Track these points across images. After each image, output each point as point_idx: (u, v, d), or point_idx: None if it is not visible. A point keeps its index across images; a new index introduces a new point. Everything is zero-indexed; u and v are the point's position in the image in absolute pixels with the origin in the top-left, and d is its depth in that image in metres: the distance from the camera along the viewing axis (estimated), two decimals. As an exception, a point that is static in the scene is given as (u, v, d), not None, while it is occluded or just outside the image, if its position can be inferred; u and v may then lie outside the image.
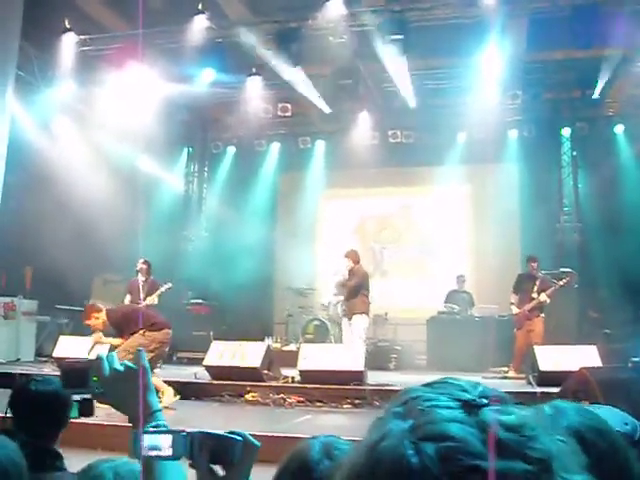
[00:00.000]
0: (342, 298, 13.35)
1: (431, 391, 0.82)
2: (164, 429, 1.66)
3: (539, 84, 16.22)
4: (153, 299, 13.44)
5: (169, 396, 9.28)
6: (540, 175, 17.39)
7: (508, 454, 0.72)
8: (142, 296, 13.45)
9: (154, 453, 1.58)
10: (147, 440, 1.58)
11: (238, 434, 1.64)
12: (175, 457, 1.59)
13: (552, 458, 0.74)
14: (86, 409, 2.81)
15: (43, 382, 3.18)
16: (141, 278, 13.56)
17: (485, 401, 0.79)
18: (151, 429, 1.63)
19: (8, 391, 3.31)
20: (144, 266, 13.50)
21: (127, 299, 13.64)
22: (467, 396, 0.79)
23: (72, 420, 3.11)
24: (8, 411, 3.19)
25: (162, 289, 13.50)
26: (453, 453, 0.71)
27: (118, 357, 1.85)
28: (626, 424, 2.75)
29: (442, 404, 0.78)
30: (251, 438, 1.64)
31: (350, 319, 12.34)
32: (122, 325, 9.68)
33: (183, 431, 1.63)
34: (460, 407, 0.77)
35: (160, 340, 9.70)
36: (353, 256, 12.63)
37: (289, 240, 18.05)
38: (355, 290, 12.38)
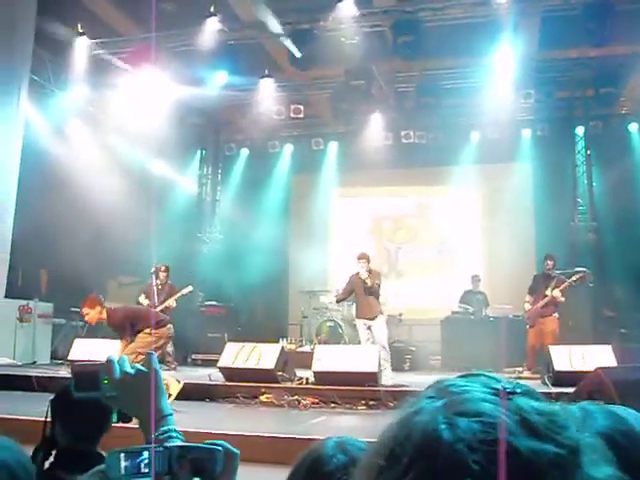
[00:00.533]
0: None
1: (464, 380, 0.83)
2: (138, 447, 1.59)
3: (552, 83, 16.15)
4: (172, 302, 13.54)
5: (174, 386, 9.33)
6: (554, 174, 17.32)
7: (540, 436, 0.73)
8: (157, 299, 13.53)
9: (132, 472, 1.52)
10: (122, 460, 1.52)
11: (218, 444, 1.61)
12: (155, 475, 1.53)
13: (581, 448, 0.75)
14: (125, 415, 2.82)
15: None
16: (157, 281, 13.65)
17: (519, 390, 0.80)
18: (121, 448, 1.56)
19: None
20: (164, 271, 13.65)
21: (143, 300, 13.71)
22: (500, 385, 0.80)
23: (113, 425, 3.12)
24: (49, 415, 3.20)
25: (184, 291, 13.59)
26: (486, 428, 0.72)
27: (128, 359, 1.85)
28: (641, 425, 2.74)
29: (475, 389, 0.79)
30: (231, 447, 1.62)
31: (373, 320, 12.16)
32: (124, 326, 9.73)
33: (160, 445, 1.59)
34: (493, 394, 0.78)
35: (166, 335, 10.00)
36: (368, 257, 12.55)
37: (303, 241, 18.05)
38: (377, 291, 12.28)
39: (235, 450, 1.62)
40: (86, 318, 10.11)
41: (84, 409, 3.07)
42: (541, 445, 0.72)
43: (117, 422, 2.81)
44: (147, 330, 9.66)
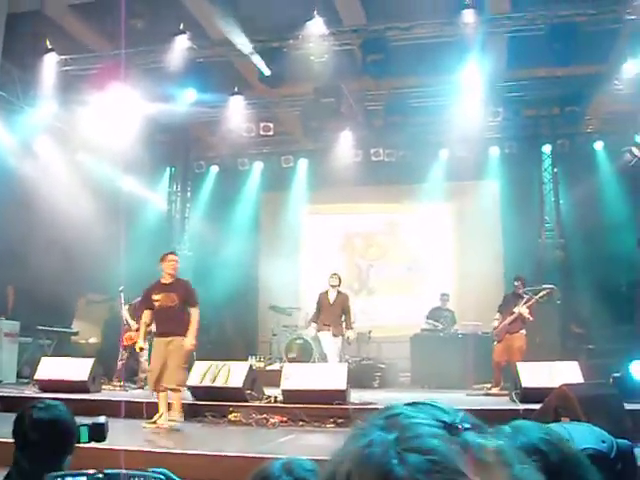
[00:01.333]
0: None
1: (413, 410, 0.84)
2: (76, 472, 1.57)
3: (519, 101, 16.35)
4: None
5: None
6: (522, 192, 17.49)
7: (486, 473, 0.74)
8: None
9: None
10: None
11: (160, 472, 1.60)
12: None
13: None
14: (97, 434, 2.77)
15: (45, 409, 3.07)
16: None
17: (467, 425, 0.81)
18: (61, 473, 1.53)
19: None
20: None
21: (130, 320, 13.71)
22: (448, 418, 0.82)
23: (83, 445, 3.06)
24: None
25: None
26: (437, 466, 0.74)
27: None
28: (603, 442, 2.77)
29: (424, 422, 0.80)
30: (173, 475, 1.61)
31: (336, 336, 12.47)
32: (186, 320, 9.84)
33: (100, 472, 1.57)
34: (442, 427, 0.79)
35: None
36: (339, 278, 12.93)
37: (273, 258, 18.03)
38: (343, 313, 12.64)
39: (176, 478, 1.61)
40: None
41: (44, 431, 3.02)
42: None
43: (88, 442, 2.77)
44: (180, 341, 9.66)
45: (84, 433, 2.67)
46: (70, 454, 3.09)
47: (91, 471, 1.56)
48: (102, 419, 2.50)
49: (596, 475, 1.45)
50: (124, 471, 1.58)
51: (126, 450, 6.88)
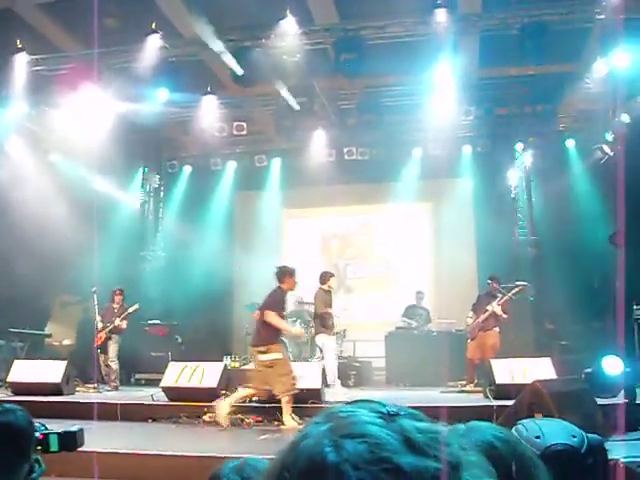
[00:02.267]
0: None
1: (352, 406, 0.85)
2: None
3: (492, 100, 16.45)
4: (121, 322, 13.63)
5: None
6: (495, 190, 17.61)
7: (422, 453, 0.75)
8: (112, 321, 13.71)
9: None
10: None
11: None
12: None
13: (462, 463, 0.78)
14: (69, 442, 2.70)
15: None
16: (113, 305, 13.85)
17: (403, 412, 0.82)
18: None
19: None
20: (119, 294, 13.89)
21: (99, 323, 13.77)
22: (385, 409, 0.82)
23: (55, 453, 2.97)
24: None
25: (130, 310, 13.70)
26: (371, 448, 0.75)
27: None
28: (574, 437, 2.80)
29: (360, 413, 0.81)
30: None
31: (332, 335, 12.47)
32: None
33: None
34: (379, 417, 0.80)
35: None
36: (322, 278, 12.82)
37: (247, 258, 18.00)
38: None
39: None
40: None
41: None
42: (423, 461, 0.74)
43: (59, 451, 2.69)
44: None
45: (54, 442, 2.61)
46: (26, 463, 2.93)
47: None
48: (75, 427, 2.45)
49: (547, 475, 1.48)
50: None
51: (100, 453, 6.84)
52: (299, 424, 9.07)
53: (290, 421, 9.31)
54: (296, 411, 9.54)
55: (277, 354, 9.73)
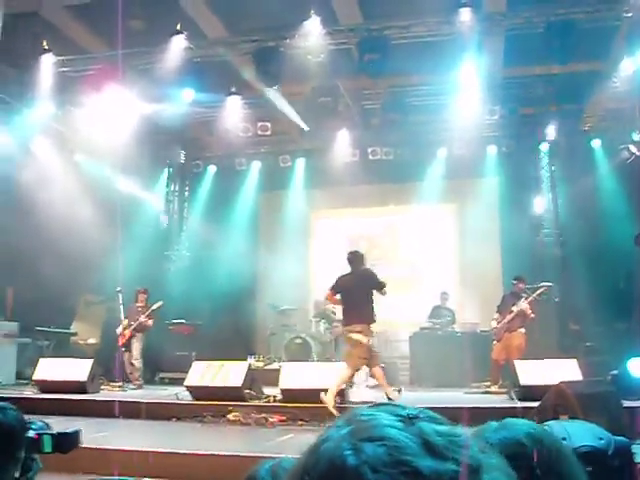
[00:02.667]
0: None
1: (373, 409, 0.85)
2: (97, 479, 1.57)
3: (516, 99, 16.34)
4: (146, 320, 13.75)
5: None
6: (520, 190, 17.51)
7: (441, 456, 0.76)
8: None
9: None
10: None
11: None
12: None
13: (482, 466, 0.78)
14: (63, 444, 2.68)
15: None
16: (137, 304, 13.97)
17: (422, 415, 0.83)
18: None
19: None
20: (143, 293, 14.01)
21: (126, 323, 13.91)
22: (405, 412, 0.83)
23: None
24: None
25: (154, 307, 13.79)
26: (390, 451, 0.75)
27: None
28: (600, 439, 2.78)
29: (380, 416, 0.82)
30: None
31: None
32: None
33: None
34: (399, 420, 0.81)
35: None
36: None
37: (272, 258, 18.04)
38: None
39: None
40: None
41: None
42: (442, 464, 0.75)
43: (52, 452, 2.67)
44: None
45: (47, 442, 2.59)
46: (14, 463, 2.84)
47: (107, 478, 1.56)
48: (72, 429, 2.45)
49: (582, 471, 1.47)
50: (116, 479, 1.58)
51: (125, 451, 6.89)
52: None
53: None
54: (320, 411, 9.54)
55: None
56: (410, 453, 0.75)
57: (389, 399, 9.69)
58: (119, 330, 13.94)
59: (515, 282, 13.26)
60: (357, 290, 10.54)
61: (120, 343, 13.86)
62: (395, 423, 0.80)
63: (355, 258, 10.90)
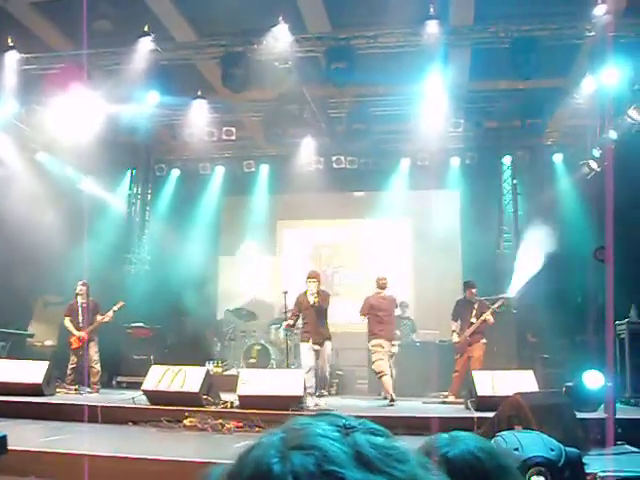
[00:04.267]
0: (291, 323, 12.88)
1: (312, 418, 0.84)
2: None
3: (481, 113, 16.48)
4: (105, 319, 13.40)
5: None
6: (481, 202, 17.68)
7: (371, 469, 0.73)
8: (81, 319, 13.36)
9: None
10: None
11: None
12: None
13: (414, 478, 0.75)
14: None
15: None
16: (81, 300, 13.51)
17: (361, 427, 0.81)
18: None
19: None
20: (83, 288, 13.48)
21: (68, 323, 13.54)
22: (344, 422, 0.81)
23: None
24: None
25: (115, 308, 13.53)
26: (318, 461, 0.73)
27: None
28: (552, 450, 2.82)
29: (317, 425, 0.80)
30: None
31: (322, 345, 11.99)
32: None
33: None
34: (336, 430, 0.79)
35: None
36: (319, 277, 12.33)
37: (233, 264, 17.99)
38: (326, 314, 12.25)
39: None
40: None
41: None
42: (371, 478, 0.72)
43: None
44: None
45: None
46: None
47: None
48: None
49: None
50: None
51: (78, 455, 6.82)
52: None
53: None
54: (277, 418, 9.51)
55: None
56: (338, 464, 0.73)
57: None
58: (77, 333, 13.53)
59: (466, 288, 13.40)
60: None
61: (75, 346, 13.49)
62: (330, 433, 0.78)
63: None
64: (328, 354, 12.22)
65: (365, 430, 0.80)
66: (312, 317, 12.04)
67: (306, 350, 11.96)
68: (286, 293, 12.97)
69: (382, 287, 13.12)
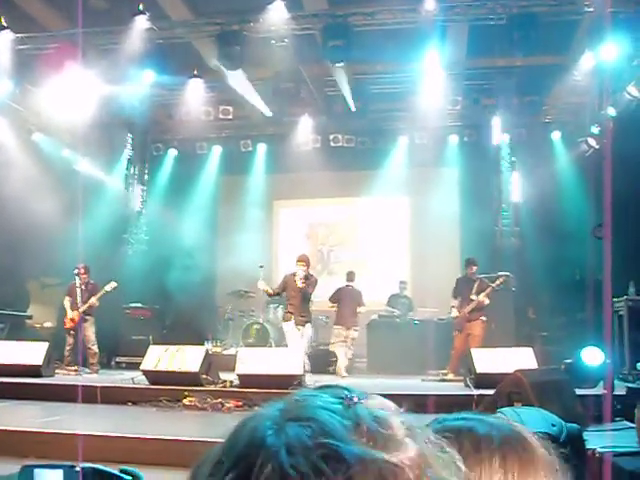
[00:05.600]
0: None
1: (317, 390, 0.80)
2: (52, 464, 1.56)
3: (479, 90, 16.44)
4: (95, 300, 13.43)
5: None
6: (479, 180, 17.63)
7: (371, 442, 0.70)
8: (80, 299, 13.37)
9: None
10: (37, 476, 1.50)
11: (130, 473, 1.57)
12: None
13: (420, 456, 0.72)
14: None
15: None
16: (79, 282, 13.51)
17: (364, 399, 0.77)
18: (39, 463, 1.53)
19: None
20: (83, 270, 13.48)
21: (67, 303, 13.56)
22: (347, 394, 0.77)
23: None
24: None
25: (107, 288, 13.51)
26: (314, 433, 0.69)
27: None
28: (553, 425, 2.80)
29: (319, 397, 0.76)
30: (142, 477, 1.58)
31: (303, 326, 12.35)
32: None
33: (74, 466, 1.55)
34: (338, 402, 0.75)
35: None
36: (308, 261, 12.63)
37: (231, 243, 17.96)
38: (309, 297, 12.46)
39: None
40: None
41: None
42: (371, 452, 0.69)
43: None
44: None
45: None
46: None
47: (67, 464, 1.53)
48: None
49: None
50: (101, 467, 1.55)
51: (78, 435, 6.82)
52: None
53: None
54: (277, 397, 9.50)
55: None
56: (336, 437, 0.69)
57: None
58: (70, 314, 13.54)
59: (467, 265, 13.41)
60: None
61: (68, 326, 13.52)
62: (331, 405, 0.74)
63: None
64: (309, 335, 12.60)
65: (370, 403, 0.76)
66: (297, 299, 12.41)
67: (290, 329, 12.39)
68: (262, 267, 13.35)
69: (350, 280, 14.55)
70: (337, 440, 0.68)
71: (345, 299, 14.00)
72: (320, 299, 14.18)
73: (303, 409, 0.73)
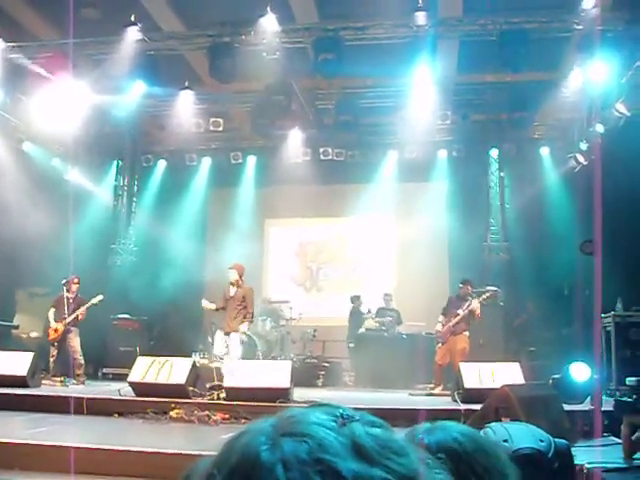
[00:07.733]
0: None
1: (308, 407, 0.80)
2: None
3: (468, 105, 16.51)
4: (82, 312, 13.33)
5: None
6: (468, 195, 17.68)
7: (368, 460, 0.70)
8: (67, 312, 13.29)
9: None
10: None
11: None
12: None
13: (417, 478, 0.72)
14: None
15: None
16: (67, 294, 13.41)
17: (357, 417, 0.77)
18: None
19: None
20: (76, 283, 13.44)
21: (51, 314, 13.45)
22: (341, 412, 0.78)
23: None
24: None
25: (93, 301, 13.41)
26: (311, 450, 0.69)
27: None
28: (541, 441, 2.80)
29: (313, 414, 0.76)
30: None
31: (229, 335, 12.14)
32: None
33: None
34: (332, 420, 0.75)
35: None
36: (240, 269, 12.49)
37: (220, 255, 17.91)
38: (243, 308, 12.32)
39: None
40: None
41: None
42: (368, 469, 0.69)
43: None
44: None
45: None
46: None
47: None
48: None
49: (516, 475, 1.46)
50: None
51: (63, 447, 6.77)
52: None
53: None
54: (264, 410, 9.49)
55: None
56: (333, 453, 0.69)
57: None
58: (53, 325, 13.40)
59: (462, 285, 13.36)
60: None
61: (51, 337, 13.37)
62: (325, 422, 0.74)
63: None
64: (235, 345, 12.19)
65: (363, 421, 0.76)
66: (229, 307, 12.26)
67: (218, 338, 12.35)
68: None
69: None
70: (334, 456, 0.68)
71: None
72: (309, 315, 14.14)
73: (297, 425, 0.73)
